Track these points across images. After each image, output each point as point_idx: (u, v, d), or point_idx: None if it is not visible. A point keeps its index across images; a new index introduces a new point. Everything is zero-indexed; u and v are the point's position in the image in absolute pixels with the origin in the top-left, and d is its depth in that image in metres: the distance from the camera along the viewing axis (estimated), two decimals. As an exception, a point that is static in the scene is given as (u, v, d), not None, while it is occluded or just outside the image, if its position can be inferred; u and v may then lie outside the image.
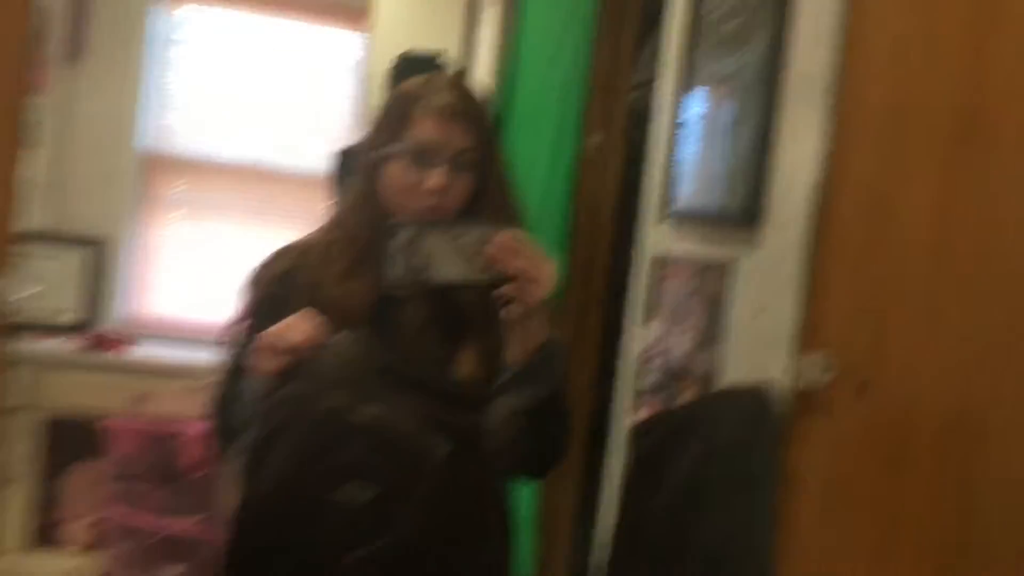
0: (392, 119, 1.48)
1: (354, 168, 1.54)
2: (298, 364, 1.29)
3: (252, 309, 1.53)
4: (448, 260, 1.29)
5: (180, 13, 4.11)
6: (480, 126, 1.47)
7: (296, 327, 1.33)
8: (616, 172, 2.78)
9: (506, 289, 1.30)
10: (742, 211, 1.69)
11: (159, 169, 4.16)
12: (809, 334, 1.23)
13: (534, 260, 1.30)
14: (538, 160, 2.93)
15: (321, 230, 1.55)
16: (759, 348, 1.61)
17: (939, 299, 1.28)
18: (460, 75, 1.58)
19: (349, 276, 1.45)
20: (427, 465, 1.22)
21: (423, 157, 1.42)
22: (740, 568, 1.35)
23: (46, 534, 3.74)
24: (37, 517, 3.66)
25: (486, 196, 1.45)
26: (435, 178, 1.41)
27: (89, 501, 3.78)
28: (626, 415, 2.16)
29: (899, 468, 1.16)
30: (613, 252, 2.74)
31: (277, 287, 1.49)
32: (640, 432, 1.60)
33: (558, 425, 1.44)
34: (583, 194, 2.75)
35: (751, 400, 1.49)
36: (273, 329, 1.33)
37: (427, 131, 1.43)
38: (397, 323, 1.45)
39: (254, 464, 1.26)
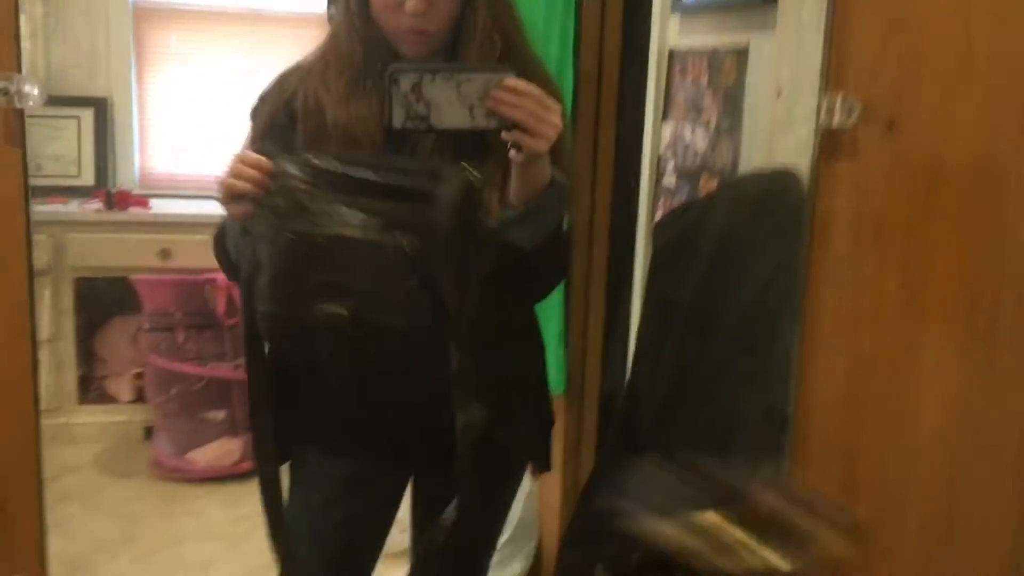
0: None
1: None
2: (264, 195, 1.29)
3: (258, 136, 1.51)
4: (451, 107, 1.26)
5: None
6: None
7: (241, 173, 1.30)
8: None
9: (510, 136, 1.27)
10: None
11: (151, 20, 4.05)
12: (834, 76, 1.20)
13: (538, 108, 1.26)
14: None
15: (318, 51, 1.50)
16: (779, 133, 1.59)
17: (970, 40, 1.21)
18: None
19: (350, 99, 1.42)
20: (396, 267, 1.23)
21: None
22: (767, 324, 1.38)
23: (91, 389, 3.88)
24: (81, 374, 3.78)
25: (474, 16, 1.39)
26: (412, 1, 1.35)
27: (129, 355, 3.89)
28: (647, 218, 2.16)
29: (927, 209, 1.15)
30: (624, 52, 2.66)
31: (281, 113, 1.48)
32: (663, 223, 1.60)
33: (553, 263, 1.46)
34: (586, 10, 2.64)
35: (772, 179, 1.48)
36: (222, 178, 1.32)
37: None
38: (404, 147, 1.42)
39: (247, 296, 1.31)
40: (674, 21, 2.03)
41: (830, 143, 1.20)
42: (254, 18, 4.12)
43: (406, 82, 1.25)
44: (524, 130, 1.26)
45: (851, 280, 1.21)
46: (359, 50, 1.44)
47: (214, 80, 4.09)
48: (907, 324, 1.17)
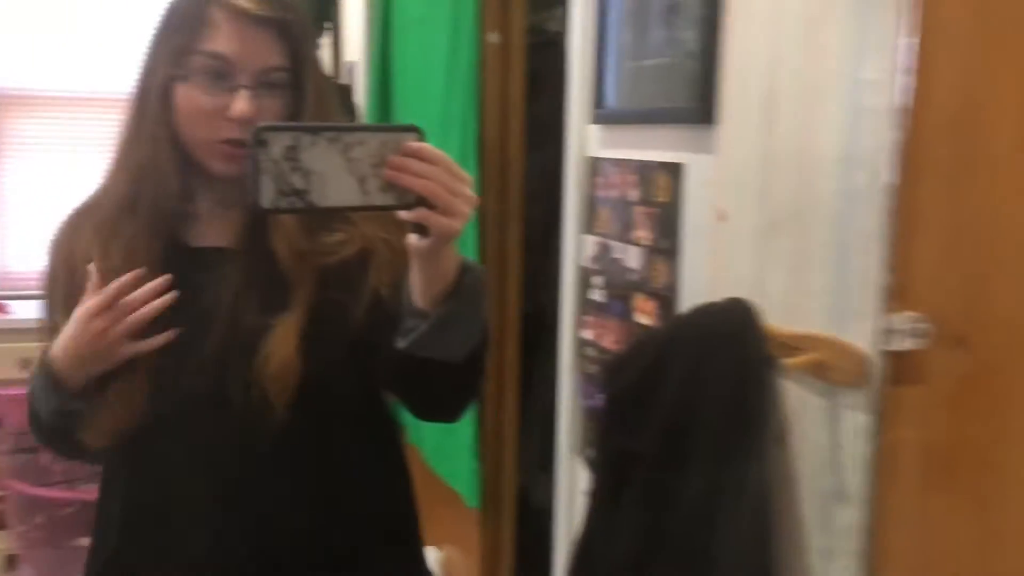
0: (177, 26, 1.19)
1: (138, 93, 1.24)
2: None
3: (44, 291, 1.31)
4: (338, 179, 0.96)
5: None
6: (295, 36, 1.20)
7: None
8: (520, 69, 2.60)
9: (414, 216, 1.00)
10: (692, 110, 1.55)
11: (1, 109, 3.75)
12: (896, 291, 1.05)
13: (450, 179, 1.00)
14: (435, 65, 2.72)
15: (107, 176, 1.28)
16: (721, 260, 1.50)
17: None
18: None
19: (111, 238, 1.21)
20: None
21: (220, 76, 1.16)
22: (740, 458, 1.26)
23: (-57, 519, 3.47)
24: (-70, 502, 3.38)
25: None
26: (240, 103, 1.15)
27: (-14, 479, 3.52)
28: (572, 331, 2.05)
29: (1000, 435, 1.01)
30: (541, 155, 2.58)
31: (61, 264, 1.27)
32: (615, 370, 1.48)
33: (482, 369, 1.21)
34: (488, 97, 2.56)
35: (728, 313, 1.39)
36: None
37: (224, 43, 1.16)
38: (199, 289, 1.20)
39: None
40: (594, 130, 1.95)
41: (894, 367, 1.08)
42: (112, 102, 3.85)
43: (277, 146, 0.94)
44: (433, 207, 0.99)
45: (923, 523, 1.08)
46: (139, 168, 1.21)
47: (74, 170, 3.80)
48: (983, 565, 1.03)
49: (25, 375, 3.38)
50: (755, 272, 1.41)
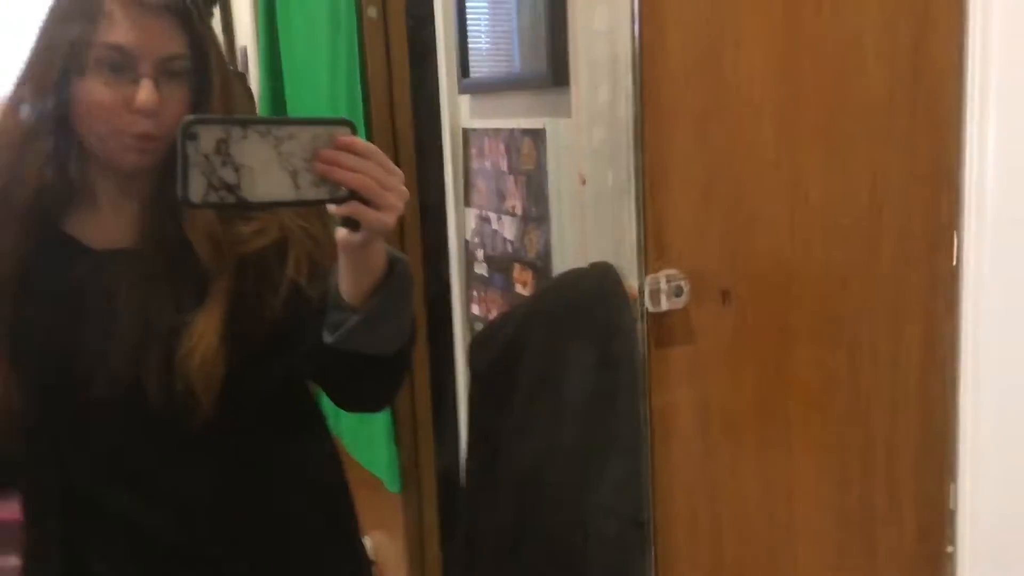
0: (69, 17, 1.14)
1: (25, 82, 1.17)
2: None
3: None
4: (269, 173, 0.94)
5: None
6: (193, 23, 1.15)
7: None
8: (401, 43, 2.54)
9: (345, 210, 0.97)
10: (546, 74, 1.51)
11: None
12: (652, 251, 1.04)
13: (382, 172, 0.97)
14: (319, 44, 2.65)
15: None
16: (587, 223, 1.48)
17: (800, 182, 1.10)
18: None
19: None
20: None
21: (119, 68, 1.11)
22: (601, 431, 1.24)
23: None
24: None
25: (209, 111, 1.15)
26: (142, 94, 1.10)
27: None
28: (463, 306, 2.02)
29: (779, 383, 1.00)
30: (420, 133, 2.54)
31: None
32: (477, 346, 1.45)
33: (409, 360, 1.19)
34: (373, 74, 2.50)
35: (589, 279, 1.37)
36: None
37: (121, 33, 1.10)
38: (104, 294, 1.16)
39: None
40: (464, 100, 1.90)
41: (657, 327, 1.05)
42: None
43: (207, 140, 0.92)
44: (366, 201, 0.97)
45: (705, 484, 1.06)
46: (22, 152, 1.15)
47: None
48: (776, 530, 1.02)
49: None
50: (613, 235, 1.38)
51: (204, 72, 1.16)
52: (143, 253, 1.19)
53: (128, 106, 1.11)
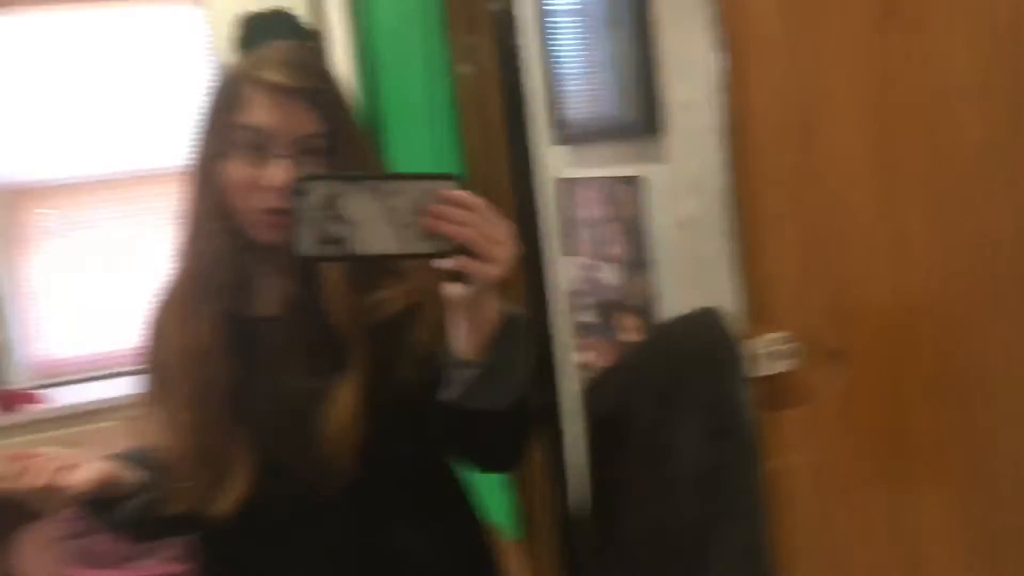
0: (217, 106, 1.24)
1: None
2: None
3: (142, 370, 1.35)
4: (376, 227, 0.96)
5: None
6: (328, 103, 1.23)
7: (80, 469, 1.16)
8: (495, 97, 2.59)
9: (454, 263, 0.98)
10: (639, 123, 1.53)
11: (19, 201, 3.83)
12: (756, 313, 1.02)
13: (489, 226, 0.98)
14: (415, 102, 2.73)
15: (176, 257, 1.32)
16: (690, 266, 1.47)
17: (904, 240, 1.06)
18: (306, 37, 1.28)
19: (188, 318, 1.26)
20: None
21: (259, 148, 1.19)
22: (724, 475, 1.22)
23: (10, 613, 3.54)
24: (-4, 599, 3.45)
25: None
26: (276, 173, 1.18)
27: (46, 569, 3.58)
28: (569, 354, 2.03)
29: (896, 446, 0.97)
30: (517, 185, 2.57)
31: (148, 352, 1.33)
32: (592, 394, 1.45)
33: (526, 418, 1.19)
34: (468, 129, 2.56)
35: (697, 324, 1.36)
36: (49, 464, 1.16)
37: (260, 116, 1.19)
38: (257, 353, 1.25)
39: None
40: (561, 151, 1.93)
41: (767, 390, 1.03)
42: (129, 181, 3.93)
43: (316, 196, 0.96)
44: (473, 255, 0.98)
45: (824, 547, 1.04)
46: (210, 252, 1.26)
47: (93, 252, 3.88)
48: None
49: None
50: (718, 280, 1.37)
51: (339, 149, 1.22)
52: (288, 322, 1.25)
53: (263, 183, 1.19)
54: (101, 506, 1.28)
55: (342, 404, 1.19)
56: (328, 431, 1.19)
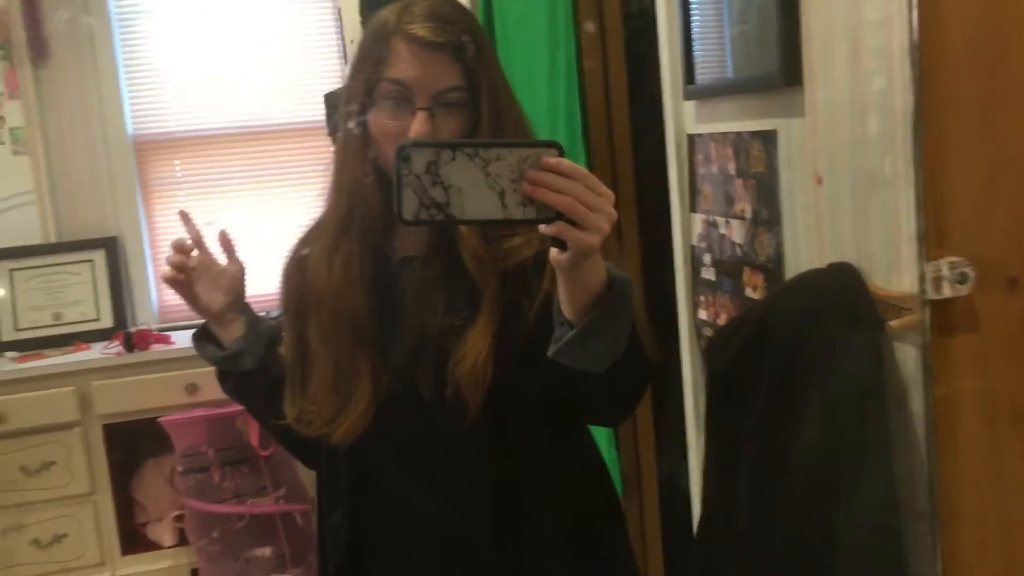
0: (366, 59, 1.30)
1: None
2: None
3: (281, 309, 1.45)
4: (476, 193, 0.98)
5: (132, -14, 3.90)
6: (471, 57, 1.26)
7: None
8: (619, 55, 2.58)
9: (552, 229, 1.00)
10: (778, 74, 1.51)
11: (153, 153, 4.02)
12: (934, 236, 0.99)
13: (589, 194, 1.00)
14: (537, 62, 2.74)
15: (326, 200, 1.40)
16: (823, 224, 1.45)
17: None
18: None
19: (333, 253, 1.33)
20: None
21: (403, 100, 1.25)
22: (855, 429, 1.20)
23: (133, 539, 3.75)
24: (121, 524, 3.66)
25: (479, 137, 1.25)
26: (415, 125, 1.23)
27: (167, 498, 3.77)
28: (688, 312, 2.03)
29: None
30: (637, 140, 2.57)
31: (292, 285, 1.41)
32: (715, 347, 1.45)
33: (634, 378, 1.20)
34: (591, 87, 2.56)
35: (831, 278, 1.35)
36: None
37: (404, 70, 1.24)
38: (396, 296, 1.31)
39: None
40: (689, 106, 1.92)
41: (940, 315, 1.01)
42: (254, 135, 4.07)
43: (419, 161, 0.98)
44: (572, 222, 1.00)
45: (993, 477, 1.01)
46: (349, 190, 1.33)
47: (224, 201, 4.04)
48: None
49: (191, 400, 3.64)
50: (856, 233, 1.35)
51: (479, 102, 1.26)
52: (425, 260, 1.31)
53: (404, 135, 1.23)
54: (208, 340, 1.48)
55: (474, 343, 1.24)
56: (460, 369, 1.23)
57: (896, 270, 1.17)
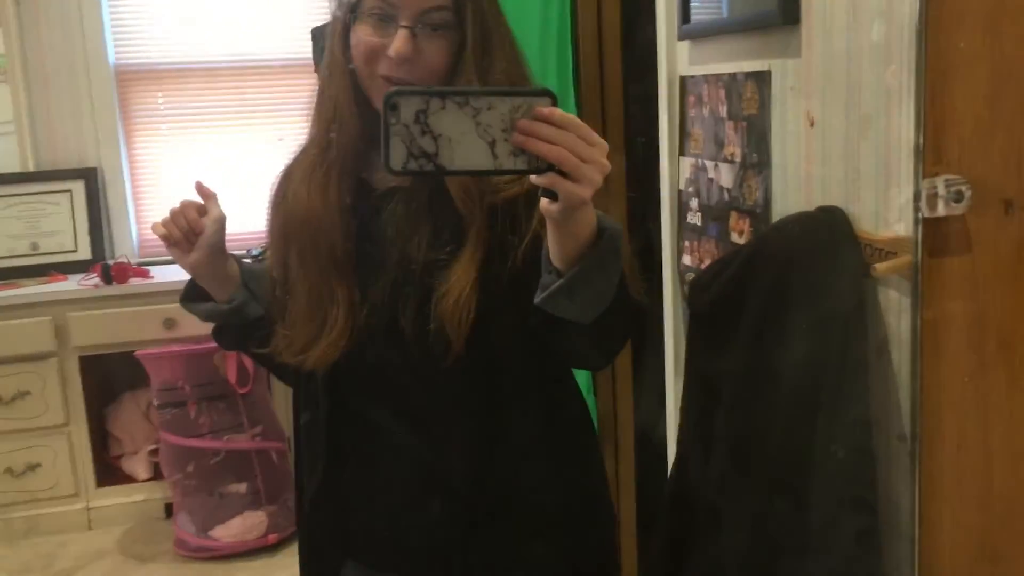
0: None
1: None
2: None
3: (268, 241, 1.42)
4: (467, 143, 0.96)
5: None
6: None
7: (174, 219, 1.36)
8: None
9: (543, 180, 0.98)
10: (775, 13, 1.48)
11: (135, 84, 3.94)
12: (930, 152, 0.97)
13: (581, 144, 0.97)
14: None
15: (310, 126, 1.36)
16: (813, 167, 1.44)
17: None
18: None
19: (315, 180, 1.30)
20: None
21: (386, 18, 1.21)
22: (835, 383, 1.20)
23: (108, 471, 3.75)
24: (96, 456, 3.65)
25: (470, 62, 1.22)
26: (396, 42, 1.19)
27: (143, 432, 3.76)
28: (673, 257, 2.01)
29: None
30: (634, 79, 2.53)
31: (276, 213, 1.38)
32: (698, 285, 1.44)
33: (620, 326, 1.18)
34: (583, 25, 2.51)
35: (818, 222, 1.33)
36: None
37: None
38: (378, 227, 1.28)
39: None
40: (683, 47, 1.88)
41: (932, 235, 0.99)
42: (239, 70, 4.01)
43: (407, 110, 0.95)
44: (563, 173, 0.97)
45: (976, 402, 1.01)
46: (330, 116, 1.29)
47: (206, 136, 3.98)
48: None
49: (168, 335, 3.60)
50: (847, 177, 1.33)
51: (464, 23, 1.22)
52: (410, 192, 1.28)
53: (385, 52, 1.20)
54: (199, 299, 1.43)
55: (458, 277, 1.22)
56: (444, 304, 1.21)
57: (883, 216, 1.15)
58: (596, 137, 0.99)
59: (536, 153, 0.96)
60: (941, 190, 0.93)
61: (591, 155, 0.98)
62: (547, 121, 0.96)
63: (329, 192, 1.29)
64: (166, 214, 1.37)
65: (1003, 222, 0.94)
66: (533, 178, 1.00)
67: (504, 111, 0.96)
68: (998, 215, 0.94)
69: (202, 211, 1.37)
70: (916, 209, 0.97)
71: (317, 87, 1.35)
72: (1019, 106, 0.94)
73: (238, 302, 1.40)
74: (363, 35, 1.24)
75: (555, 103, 0.98)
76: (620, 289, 1.12)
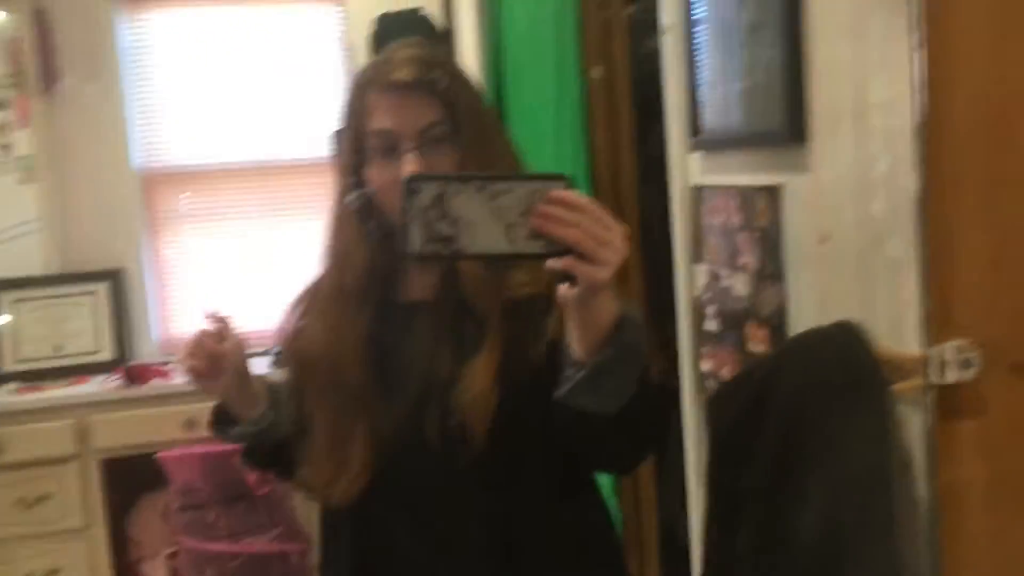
0: (352, 112, 1.30)
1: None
2: None
3: (282, 366, 1.41)
4: (484, 226, 0.96)
5: (146, 20, 3.93)
6: (445, 89, 1.25)
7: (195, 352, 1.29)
8: (626, 102, 2.59)
9: (560, 264, 0.97)
10: (783, 131, 1.51)
11: (159, 186, 4.02)
12: (939, 319, 0.97)
13: (598, 227, 0.97)
14: (544, 105, 2.75)
15: (321, 262, 1.38)
16: (828, 279, 1.44)
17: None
18: (435, 35, 1.32)
19: (326, 322, 1.31)
20: None
21: (391, 148, 1.24)
22: (860, 498, 1.18)
23: (126, 575, 3.71)
24: (115, 559, 3.62)
25: (471, 158, 1.23)
26: (406, 166, 1.21)
27: (161, 535, 3.73)
28: (691, 363, 2.01)
29: None
30: (642, 189, 2.56)
31: (292, 351, 1.38)
32: (718, 402, 1.43)
33: (646, 419, 1.15)
34: (596, 133, 2.56)
35: (836, 337, 1.33)
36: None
37: (386, 119, 1.24)
38: (403, 342, 1.29)
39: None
40: (695, 158, 1.91)
41: (945, 401, 1.00)
42: (262, 171, 4.08)
43: (426, 195, 0.97)
44: (581, 256, 0.97)
45: (996, 565, 1.00)
46: (343, 251, 1.31)
47: (229, 237, 4.04)
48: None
49: (189, 435, 3.61)
50: (861, 292, 1.34)
51: (462, 131, 1.25)
52: (434, 305, 1.30)
53: (399, 181, 1.22)
54: (228, 422, 1.38)
55: (478, 375, 1.22)
56: (463, 401, 1.22)
57: (899, 333, 1.15)
58: (612, 220, 0.99)
59: (554, 236, 0.96)
60: (950, 357, 0.94)
61: (608, 237, 0.98)
62: (563, 204, 0.97)
63: (346, 336, 1.30)
64: (187, 344, 1.36)
65: (1013, 384, 0.94)
66: (551, 262, 0.99)
67: (521, 195, 0.97)
68: (1007, 378, 0.94)
69: (219, 337, 1.38)
70: (925, 376, 0.98)
71: (325, 226, 1.37)
72: (1020, 272, 0.95)
73: (267, 423, 1.38)
74: (376, 175, 1.27)
75: (570, 186, 0.99)
76: (644, 380, 1.10)
